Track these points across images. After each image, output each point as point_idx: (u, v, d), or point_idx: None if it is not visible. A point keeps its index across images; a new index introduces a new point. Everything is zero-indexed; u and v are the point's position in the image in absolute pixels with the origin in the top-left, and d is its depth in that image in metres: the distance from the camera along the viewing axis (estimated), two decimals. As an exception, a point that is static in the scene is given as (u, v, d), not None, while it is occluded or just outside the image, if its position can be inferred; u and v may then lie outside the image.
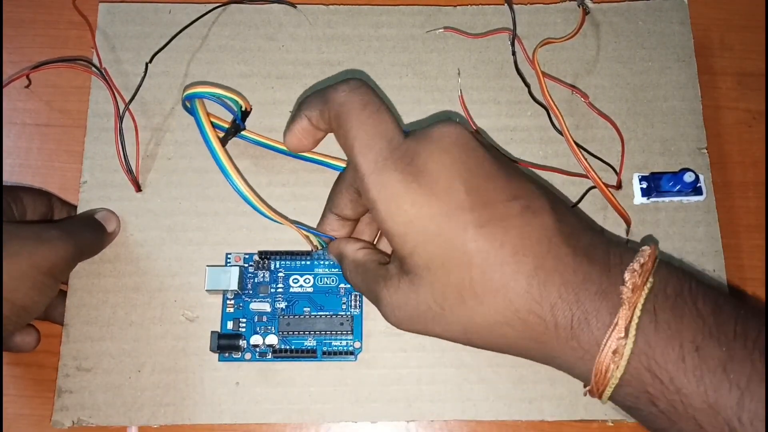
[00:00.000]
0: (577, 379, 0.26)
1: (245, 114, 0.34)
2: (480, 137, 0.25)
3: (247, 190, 0.31)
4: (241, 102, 0.33)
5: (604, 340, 0.24)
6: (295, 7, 0.38)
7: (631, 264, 0.24)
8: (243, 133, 0.35)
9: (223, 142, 0.32)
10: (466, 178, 0.25)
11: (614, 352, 0.23)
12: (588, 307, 0.24)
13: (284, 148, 0.35)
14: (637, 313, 0.23)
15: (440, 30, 0.38)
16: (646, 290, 0.24)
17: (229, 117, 0.34)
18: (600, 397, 0.25)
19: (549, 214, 0.25)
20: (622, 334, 0.23)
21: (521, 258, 0.24)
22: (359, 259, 0.30)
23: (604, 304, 0.24)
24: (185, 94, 0.32)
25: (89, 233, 0.33)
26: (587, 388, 0.25)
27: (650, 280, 0.24)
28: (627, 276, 0.24)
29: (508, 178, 0.26)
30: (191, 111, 0.32)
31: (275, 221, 0.32)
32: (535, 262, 0.24)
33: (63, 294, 0.34)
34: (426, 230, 0.25)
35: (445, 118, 0.30)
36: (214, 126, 0.32)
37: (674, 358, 0.23)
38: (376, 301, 0.28)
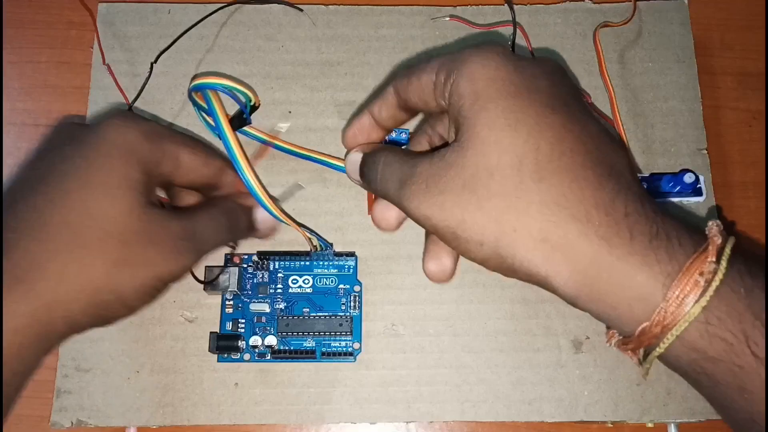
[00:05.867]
0: (599, 317, 0.23)
1: (253, 108, 0.34)
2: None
3: (255, 182, 0.30)
4: (251, 95, 0.33)
5: (689, 261, 0.21)
6: (302, 10, 0.38)
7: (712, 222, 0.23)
8: (245, 128, 0.35)
9: None
10: (563, 92, 0.25)
11: (700, 274, 0.20)
12: (669, 227, 0.22)
13: (286, 146, 0.35)
14: (728, 249, 0.21)
15: (446, 18, 0.38)
16: (731, 242, 0.22)
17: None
18: (653, 340, 0.22)
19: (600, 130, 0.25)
20: (713, 259, 0.21)
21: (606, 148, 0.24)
22: (396, 149, 0.29)
23: (688, 237, 0.22)
24: (195, 83, 0.32)
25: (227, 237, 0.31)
26: (634, 330, 0.22)
27: (730, 239, 0.22)
28: (710, 223, 0.22)
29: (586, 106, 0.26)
30: (205, 101, 0.32)
31: (278, 218, 0.32)
32: (609, 161, 0.24)
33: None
34: (501, 91, 0.24)
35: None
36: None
37: (750, 323, 0.20)
38: (408, 178, 0.25)
